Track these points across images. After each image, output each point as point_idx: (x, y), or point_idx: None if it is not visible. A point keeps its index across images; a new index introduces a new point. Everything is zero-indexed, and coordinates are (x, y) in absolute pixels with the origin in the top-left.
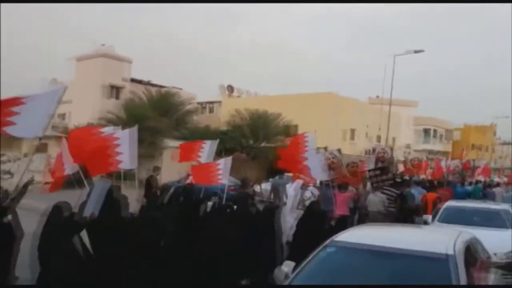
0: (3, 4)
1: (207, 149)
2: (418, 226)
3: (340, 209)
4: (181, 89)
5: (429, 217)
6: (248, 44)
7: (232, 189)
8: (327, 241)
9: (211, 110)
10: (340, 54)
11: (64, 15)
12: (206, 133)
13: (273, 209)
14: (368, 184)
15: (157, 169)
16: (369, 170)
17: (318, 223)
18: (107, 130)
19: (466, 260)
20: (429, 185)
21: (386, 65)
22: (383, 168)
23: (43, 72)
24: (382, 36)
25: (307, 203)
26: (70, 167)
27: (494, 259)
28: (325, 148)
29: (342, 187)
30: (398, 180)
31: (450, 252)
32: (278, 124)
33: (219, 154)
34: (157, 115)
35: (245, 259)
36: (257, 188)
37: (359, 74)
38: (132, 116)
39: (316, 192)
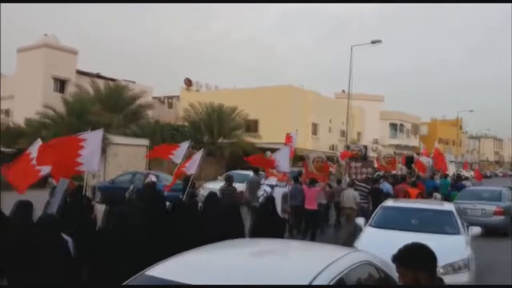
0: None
1: (181, 149)
2: (288, 244)
3: (309, 204)
4: (134, 82)
5: (362, 220)
6: (219, 39)
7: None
8: None
9: (170, 105)
10: (310, 50)
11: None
12: (156, 129)
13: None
14: (344, 180)
15: None
16: (350, 160)
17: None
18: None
19: None
20: (400, 180)
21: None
22: (365, 162)
23: None
24: (353, 33)
25: (260, 200)
26: (44, 168)
27: None
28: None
29: (310, 182)
30: (373, 176)
31: None
32: (235, 119)
33: None
34: (103, 109)
35: None
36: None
37: (329, 70)
38: (72, 110)
39: (269, 190)
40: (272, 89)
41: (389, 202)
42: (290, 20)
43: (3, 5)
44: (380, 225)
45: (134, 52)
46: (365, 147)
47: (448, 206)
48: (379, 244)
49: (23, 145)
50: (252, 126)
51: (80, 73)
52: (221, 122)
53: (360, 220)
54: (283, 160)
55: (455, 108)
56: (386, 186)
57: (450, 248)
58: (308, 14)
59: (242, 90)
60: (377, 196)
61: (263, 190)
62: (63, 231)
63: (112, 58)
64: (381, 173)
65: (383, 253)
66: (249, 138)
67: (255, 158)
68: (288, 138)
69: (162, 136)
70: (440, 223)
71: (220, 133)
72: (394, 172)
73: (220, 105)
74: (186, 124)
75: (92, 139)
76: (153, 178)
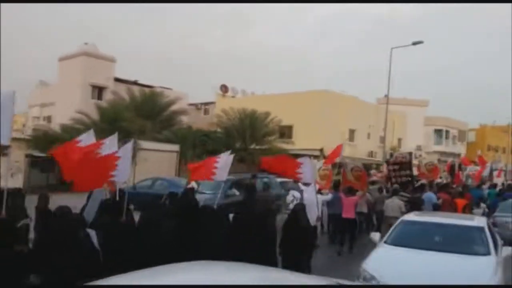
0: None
1: (222, 163)
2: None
3: (346, 213)
4: (170, 89)
5: (377, 236)
6: (255, 47)
7: None
8: None
9: (206, 112)
10: (352, 54)
11: (53, 14)
12: (187, 135)
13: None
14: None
15: None
16: (387, 161)
17: (303, 229)
18: (84, 138)
19: None
20: (441, 189)
21: (393, 62)
22: (402, 163)
23: (33, 74)
24: (396, 34)
25: (291, 206)
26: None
27: None
28: (321, 150)
29: (348, 191)
30: (417, 185)
31: None
32: (268, 125)
33: (199, 156)
34: (137, 116)
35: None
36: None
37: (372, 75)
38: (105, 117)
39: (298, 195)
40: (307, 94)
41: (411, 216)
42: (329, 24)
43: (46, 12)
44: (397, 242)
45: (173, 59)
46: (410, 154)
47: (479, 222)
48: (390, 266)
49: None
50: (286, 132)
51: (118, 80)
52: (254, 128)
53: (375, 236)
54: (307, 171)
55: (508, 114)
56: (428, 195)
57: (475, 272)
58: (348, 17)
59: (277, 96)
60: (417, 206)
61: (292, 195)
62: (86, 226)
63: (152, 66)
64: (424, 181)
65: (393, 276)
66: (282, 145)
67: (274, 161)
68: (338, 149)
69: (194, 142)
70: (467, 242)
71: (252, 139)
72: (437, 180)
73: (253, 110)
74: (219, 130)
75: (124, 150)
76: (194, 185)
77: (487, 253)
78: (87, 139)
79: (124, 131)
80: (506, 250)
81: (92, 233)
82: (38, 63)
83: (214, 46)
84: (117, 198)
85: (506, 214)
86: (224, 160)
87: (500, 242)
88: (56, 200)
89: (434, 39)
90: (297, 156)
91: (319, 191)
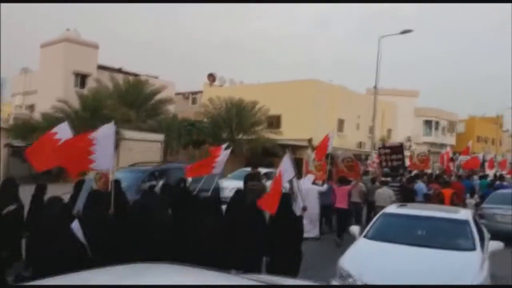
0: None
1: (221, 157)
2: None
3: (339, 203)
4: (156, 77)
5: (357, 229)
6: (247, 36)
7: None
8: None
9: (194, 101)
10: (343, 44)
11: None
12: (172, 124)
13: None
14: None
15: None
16: (379, 148)
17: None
18: (59, 130)
19: None
20: (435, 180)
21: (384, 52)
22: (393, 147)
23: (16, 61)
24: (388, 25)
25: None
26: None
27: None
28: (309, 140)
29: (340, 181)
30: (410, 175)
31: None
32: (255, 114)
33: (185, 147)
34: (121, 104)
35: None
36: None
37: (362, 65)
38: (86, 105)
39: (287, 186)
40: (296, 84)
41: (392, 208)
42: (324, 15)
43: None
44: (377, 236)
45: (161, 47)
46: (401, 144)
47: (464, 214)
48: (368, 262)
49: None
50: (274, 122)
51: (102, 68)
52: (241, 117)
53: (354, 229)
54: (287, 169)
55: (497, 105)
56: (419, 186)
57: (459, 269)
58: (341, 8)
59: (265, 85)
60: (408, 196)
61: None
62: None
63: (140, 54)
64: (417, 172)
65: (372, 274)
66: (270, 135)
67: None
68: (326, 140)
69: (179, 131)
70: (451, 236)
71: (239, 129)
72: (428, 171)
73: (240, 100)
74: (205, 119)
75: (103, 134)
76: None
77: (472, 248)
78: (63, 132)
79: (105, 119)
80: (492, 245)
81: (76, 225)
82: (21, 49)
83: (205, 35)
84: (109, 188)
85: (494, 206)
86: (224, 155)
87: (487, 236)
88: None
89: (425, 29)
90: (285, 146)
91: (313, 182)
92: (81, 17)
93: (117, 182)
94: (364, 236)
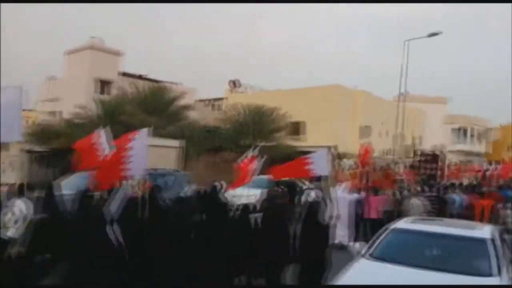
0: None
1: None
2: None
3: (373, 213)
4: (178, 84)
5: (361, 245)
6: (268, 44)
7: None
8: None
9: (217, 108)
10: (370, 52)
11: (59, 11)
12: (191, 131)
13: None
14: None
15: None
16: (417, 155)
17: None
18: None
19: None
20: (474, 190)
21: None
22: (433, 156)
23: (43, 70)
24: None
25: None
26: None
27: None
28: (334, 147)
29: (376, 190)
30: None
31: None
32: (275, 120)
33: (203, 153)
34: (141, 111)
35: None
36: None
37: (390, 73)
38: (106, 111)
39: (313, 194)
40: (319, 89)
41: (402, 223)
42: (349, 24)
43: (57, 5)
44: (383, 256)
45: (186, 55)
46: (437, 154)
47: (483, 232)
48: None
49: (57, 145)
50: (297, 129)
51: (125, 74)
52: (261, 124)
53: (357, 246)
54: (319, 163)
55: None
56: (457, 197)
57: None
58: (363, 12)
59: (288, 91)
60: (442, 208)
61: (307, 194)
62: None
63: (166, 62)
64: (454, 181)
65: None
66: (292, 141)
67: (283, 169)
68: (368, 148)
69: (198, 137)
70: (467, 257)
71: (259, 136)
72: (462, 180)
73: (260, 106)
74: (225, 126)
75: (139, 142)
76: (217, 183)
77: (490, 273)
78: (104, 139)
79: (124, 125)
80: None
81: (117, 229)
82: (46, 61)
83: (228, 42)
84: (147, 194)
85: None
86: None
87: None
88: None
89: (451, 36)
90: (306, 153)
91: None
92: (107, 24)
93: (155, 188)
94: (369, 255)
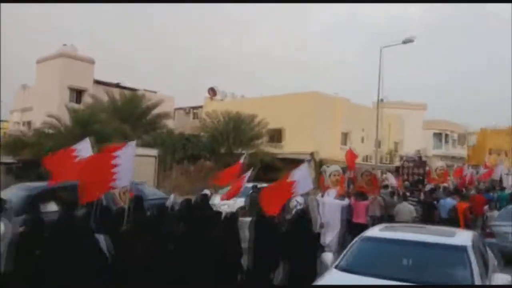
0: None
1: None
2: None
3: (358, 218)
4: (155, 92)
5: (330, 256)
6: (249, 51)
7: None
8: None
9: (196, 116)
10: (351, 59)
11: (33, 17)
12: (167, 139)
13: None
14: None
15: None
16: (403, 160)
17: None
18: (80, 145)
19: None
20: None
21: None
22: (420, 160)
23: (14, 78)
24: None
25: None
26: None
27: None
28: (312, 154)
29: (360, 195)
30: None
31: None
32: (254, 127)
33: (179, 162)
34: (116, 119)
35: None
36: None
37: (367, 78)
38: (78, 120)
39: (302, 201)
40: (298, 96)
41: (373, 231)
42: (331, 32)
43: (26, 13)
44: (352, 267)
45: (164, 63)
46: (419, 157)
47: (462, 239)
48: None
49: (26, 156)
50: (276, 136)
51: (99, 83)
52: (239, 131)
53: (327, 256)
54: (303, 180)
55: (508, 116)
56: (446, 201)
57: None
58: (349, 24)
59: (267, 98)
60: (428, 211)
61: (295, 201)
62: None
63: (143, 70)
64: (433, 186)
65: None
66: (272, 149)
67: (272, 198)
68: (351, 155)
69: (174, 146)
70: (445, 267)
71: (237, 143)
72: (445, 184)
73: (238, 113)
74: (202, 134)
75: (125, 153)
76: (207, 192)
77: (469, 283)
78: (83, 149)
79: (97, 134)
80: (498, 278)
81: (101, 238)
82: (20, 66)
83: (208, 50)
84: (127, 205)
85: (506, 223)
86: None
87: (492, 265)
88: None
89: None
90: (286, 160)
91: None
92: (79, 31)
93: (138, 199)
94: (336, 267)
